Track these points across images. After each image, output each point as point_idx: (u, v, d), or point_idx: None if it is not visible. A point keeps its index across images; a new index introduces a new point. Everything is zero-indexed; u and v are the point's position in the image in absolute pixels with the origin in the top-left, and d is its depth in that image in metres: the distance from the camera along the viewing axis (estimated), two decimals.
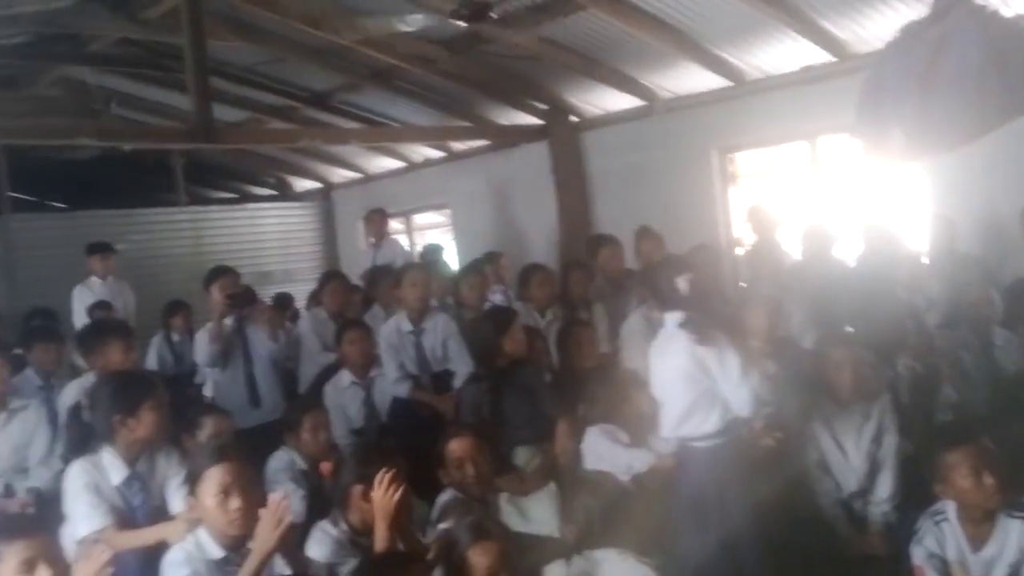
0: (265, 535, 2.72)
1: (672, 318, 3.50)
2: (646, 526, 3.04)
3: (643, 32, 6.28)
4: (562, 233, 7.98)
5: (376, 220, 8.62)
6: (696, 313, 3.51)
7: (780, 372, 4.03)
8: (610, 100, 7.73)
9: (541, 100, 7.95)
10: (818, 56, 6.26)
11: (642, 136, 7.60)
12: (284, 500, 2.80)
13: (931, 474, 3.03)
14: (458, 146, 9.27)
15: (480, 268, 6.47)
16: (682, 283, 3.56)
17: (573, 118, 8.08)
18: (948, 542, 3.06)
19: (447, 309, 5.81)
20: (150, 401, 3.40)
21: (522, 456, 4.40)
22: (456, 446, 3.58)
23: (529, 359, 4.76)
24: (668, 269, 3.68)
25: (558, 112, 7.97)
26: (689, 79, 7.07)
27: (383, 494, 2.93)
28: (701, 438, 3.42)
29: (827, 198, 6.80)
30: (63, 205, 12.53)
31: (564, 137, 8.02)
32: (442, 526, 3.28)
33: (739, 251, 7.06)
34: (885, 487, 3.75)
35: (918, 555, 3.11)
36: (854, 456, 3.79)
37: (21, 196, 10.57)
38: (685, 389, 3.47)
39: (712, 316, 3.55)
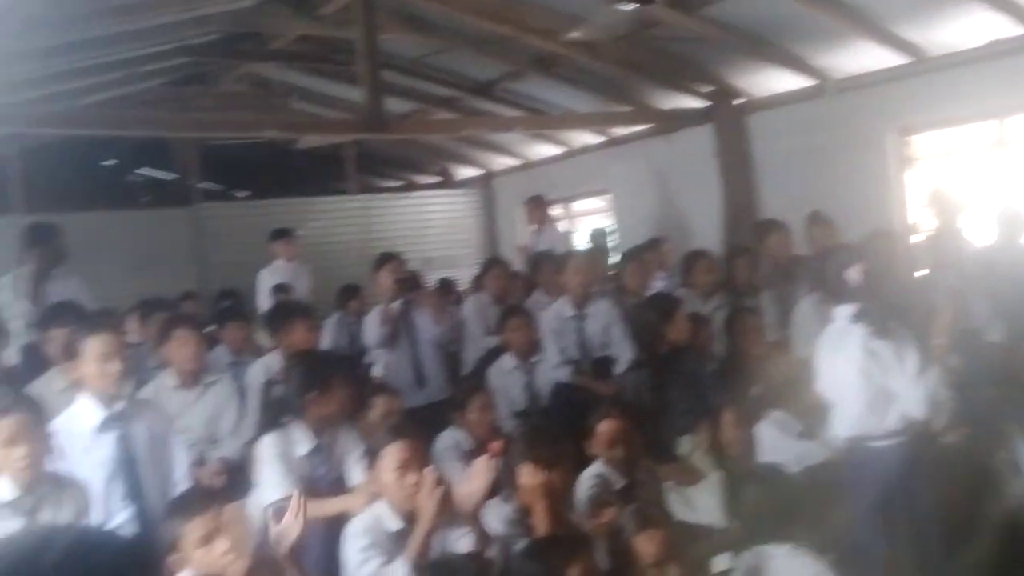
0: (425, 509, 2.83)
1: (843, 311, 3.37)
2: (820, 522, 2.94)
3: (814, 9, 6.04)
4: (726, 219, 7.81)
5: (536, 206, 8.73)
6: (870, 305, 3.36)
7: (964, 366, 3.82)
8: (778, 81, 7.47)
9: (705, 82, 7.79)
10: (1006, 29, 5.83)
11: (812, 118, 7.31)
12: (438, 475, 2.90)
13: None
14: (619, 131, 9.22)
15: (642, 254, 6.44)
16: (853, 274, 3.43)
17: (738, 100, 7.87)
18: None
19: (610, 295, 5.82)
20: (340, 379, 3.60)
21: (685, 445, 4.38)
22: (605, 427, 3.61)
23: (693, 347, 4.71)
24: (838, 259, 3.55)
25: (723, 94, 7.79)
26: (863, 57, 6.74)
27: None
28: (880, 437, 3.29)
29: (1016, 181, 6.33)
30: (246, 194, 13.33)
31: (729, 120, 7.83)
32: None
33: (916, 238, 6.70)
34: None
35: None
36: None
37: (210, 186, 11.31)
38: (861, 386, 3.35)
39: (888, 308, 3.39)
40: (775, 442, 3.84)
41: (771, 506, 2.94)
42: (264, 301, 7.75)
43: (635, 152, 9.10)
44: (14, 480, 2.92)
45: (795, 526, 2.91)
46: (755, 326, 4.81)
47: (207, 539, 2.65)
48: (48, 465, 3.06)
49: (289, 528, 2.68)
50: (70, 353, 3.50)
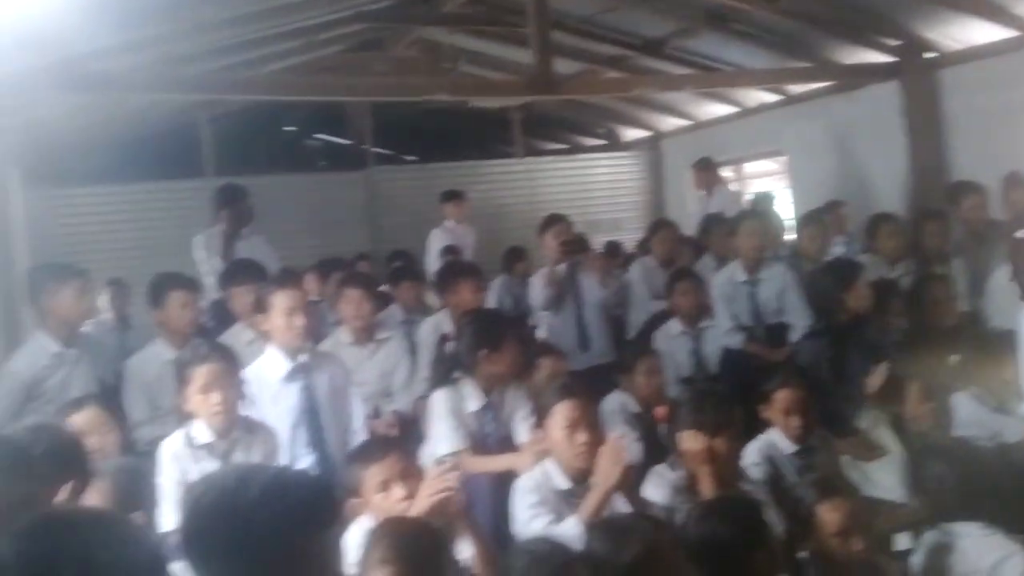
0: (607, 472, 2.81)
1: None
2: (1015, 501, 2.73)
3: None
4: (913, 181, 7.32)
5: (705, 169, 8.49)
6: None
7: None
8: (974, 32, 6.89)
9: (892, 36, 7.29)
10: None
11: (1012, 72, 6.70)
12: (622, 439, 2.88)
13: None
14: (796, 89, 8.78)
15: (821, 218, 6.14)
16: None
17: (928, 54, 7.33)
18: None
19: (785, 260, 5.59)
20: (511, 339, 3.64)
21: (866, 419, 4.17)
22: (783, 395, 3.49)
23: (876, 316, 4.46)
24: None
25: (911, 48, 7.26)
26: None
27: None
28: None
29: None
30: (414, 158, 13.68)
31: (918, 75, 7.30)
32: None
33: None
34: None
35: None
36: None
37: (382, 151, 11.67)
38: None
39: None
40: (971, 416, 3.60)
41: (961, 482, 2.75)
42: (433, 261, 7.96)
43: (814, 111, 8.66)
44: (210, 424, 3.12)
45: (987, 504, 2.72)
46: (945, 295, 4.50)
47: (386, 485, 2.75)
48: (240, 411, 3.26)
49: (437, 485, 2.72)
50: (258, 307, 3.69)
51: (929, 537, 2.81)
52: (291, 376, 3.60)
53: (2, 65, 4.51)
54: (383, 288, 6.08)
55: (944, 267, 5.07)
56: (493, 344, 3.62)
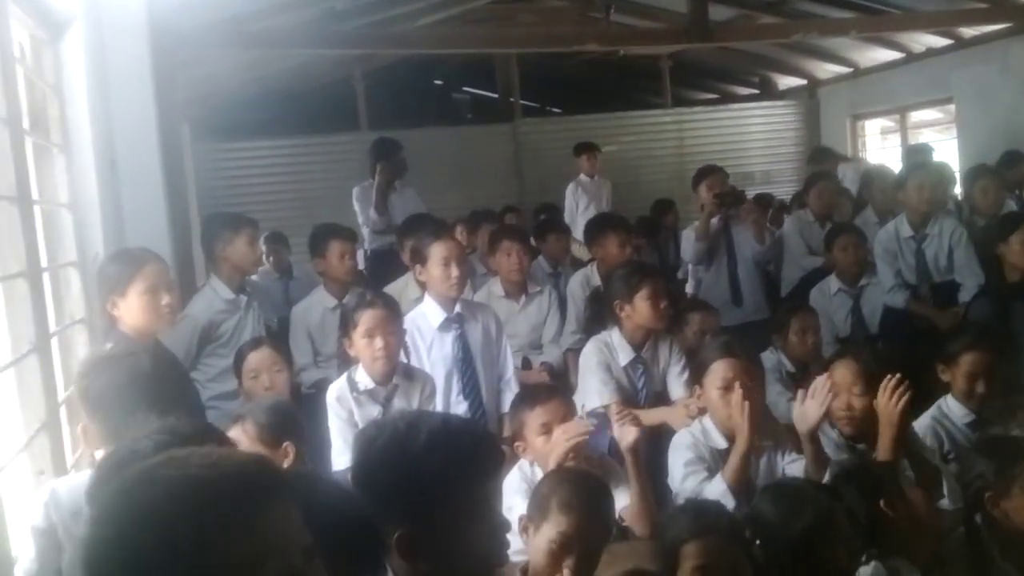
0: (740, 429, 2.79)
1: None
2: None
3: None
4: None
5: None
6: None
7: None
8: None
9: None
10: None
11: None
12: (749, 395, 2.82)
13: None
14: (968, 32, 8.18)
15: (995, 170, 5.73)
16: None
17: None
18: None
19: (954, 215, 5.28)
20: (644, 291, 3.59)
21: None
22: (971, 358, 3.29)
23: None
24: None
25: None
26: None
27: (887, 401, 2.80)
28: None
29: None
30: (560, 111, 13.61)
31: None
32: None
33: None
34: None
35: None
36: None
37: (528, 104, 11.66)
38: None
39: None
40: None
41: None
42: (571, 214, 7.94)
43: (988, 55, 8.06)
44: (373, 370, 3.24)
45: None
46: None
47: (547, 428, 2.81)
48: (400, 357, 3.37)
49: (629, 429, 2.77)
50: (416, 258, 3.78)
51: None
52: (447, 325, 3.69)
53: (173, 23, 4.75)
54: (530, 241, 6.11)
55: None
56: (626, 295, 3.61)
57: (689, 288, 6.21)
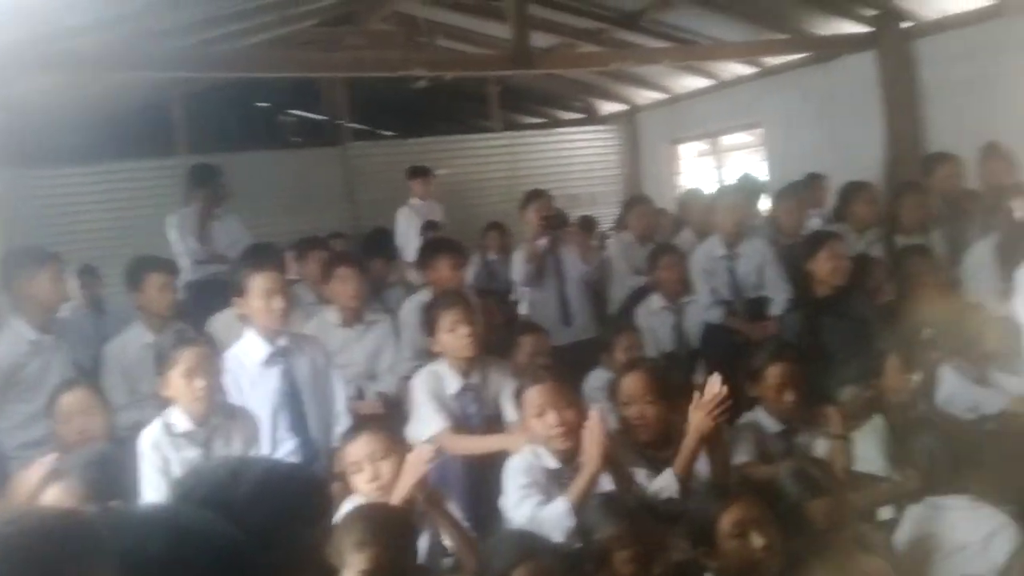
0: (592, 455, 2.81)
1: None
2: (999, 472, 2.75)
3: None
4: (889, 153, 7.35)
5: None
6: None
7: None
8: (951, 1, 6.91)
9: (868, 6, 7.28)
10: None
11: (989, 41, 6.72)
12: (602, 417, 2.88)
13: None
14: (772, 61, 8.77)
15: (797, 192, 6.14)
16: (1018, 210, 3.20)
17: (905, 24, 7.33)
18: None
19: (763, 234, 5.60)
20: (445, 321, 3.60)
21: (848, 394, 4.19)
22: (777, 371, 3.45)
23: (858, 288, 4.48)
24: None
25: (888, 17, 7.26)
26: None
27: (701, 414, 2.92)
28: None
29: None
30: (391, 134, 13.55)
31: (894, 46, 7.30)
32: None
33: None
34: None
35: None
36: None
37: (358, 127, 11.53)
38: None
39: None
40: (953, 389, 3.62)
41: (948, 455, 2.77)
42: (403, 239, 7.91)
43: (790, 83, 8.66)
44: (191, 411, 3.08)
45: (974, 477, 2.73)
46: (926, 267, 4.52)
47: (371, 459, 2.78)
48: (220, 397, 3.22)
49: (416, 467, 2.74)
50: (236, 291, 3.63)
51: (915, 511, 2.82)
52: (271, 360, 3.56)
53: None
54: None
55: (923, 238, 5.08)
56: (430, 330, 3.63)
57: (522, 310, 6.30)
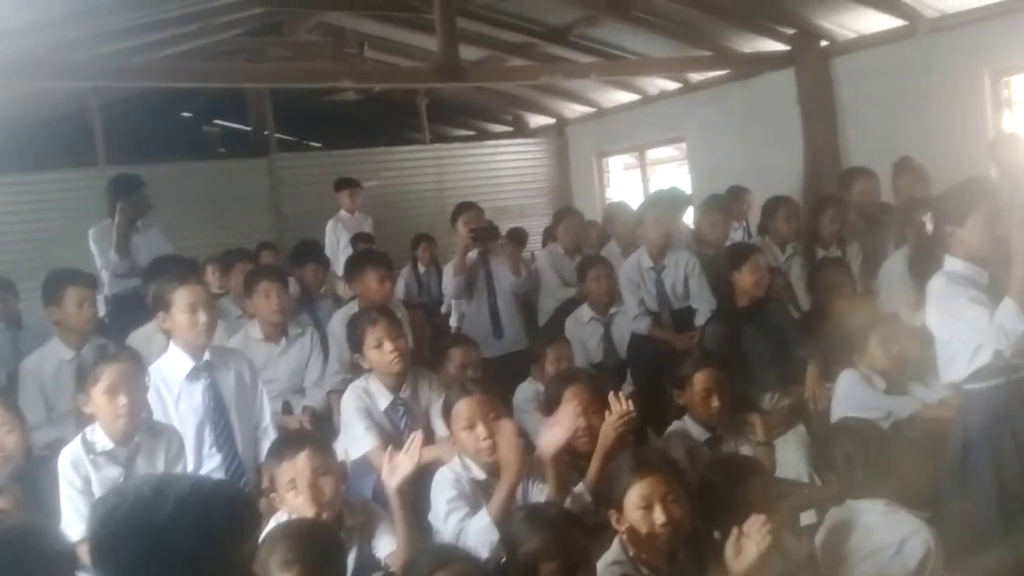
0: (508, 465, 2.82)
1: (949, 263, 3.21)
2: (912, 477, 2.86)
3: None
4: (808, 167, 7.58)
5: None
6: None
7: None
8: (866, 21, 7.16)
9: (787, 24, 7.50)
10: None
11: (902, 60, 7.00)
12: (516, 427, 2.90)
13: None
14: (695, 77, 8.98)
15: (720, 204, 6.28)
16: (928, 222, 3.34)
17: (823, 43, 7.57)
18: None
19: (688, 246, 5.71)
20: (370, 338, 3.60)
21: (768, 401, 4.30)
22: (703, 377, 3.53)
23: (776, 298, 4.61)
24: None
25: (806, 37, 7.50)
26: None
27: (611, 423, 2.97)
28: (969, 380, 3.16)
29: None
30: (318, 145, 13.42)
31: (812, 63, 7.54)
32: None
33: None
34: None
35: None
36: None
37: (285, 137, 11.40)
38: (939, 331, 3.23)
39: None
40: (858, 396, 3.75)
41: (864, 460, 2.86)
42: (332, 251, 7.84)
43: (713, 98, 8.87)
44: (114, 429, 3.00)
45: (889, 482, 2.83)
46: (841, 279, 4.66)
47: (292, 485, 2.73)
48: (144, 414, 3.15)
49: (401, 465, 2.74)
50: (158, 305, 3.55)
51: (833, 514, 2.91)
52: (195, 374, 3.48)
53: None
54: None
55: (840, 251, 5.25)
56: (357, 347, 3.63)
57: (453, 322, 6.30)
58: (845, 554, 2.73)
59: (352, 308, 4.86)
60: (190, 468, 3.29)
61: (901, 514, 2.73)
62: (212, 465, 3.45)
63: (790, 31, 7.54)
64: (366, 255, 5.34)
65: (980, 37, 6.43)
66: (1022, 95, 6.67)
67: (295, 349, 4.74)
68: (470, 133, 13.14)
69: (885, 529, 2.68)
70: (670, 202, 6.14)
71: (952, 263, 3.17)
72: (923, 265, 3.41)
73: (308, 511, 2.70)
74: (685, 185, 9.13)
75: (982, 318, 2.95)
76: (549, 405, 3.33)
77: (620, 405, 3.01)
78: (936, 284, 3.17)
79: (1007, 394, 3.08)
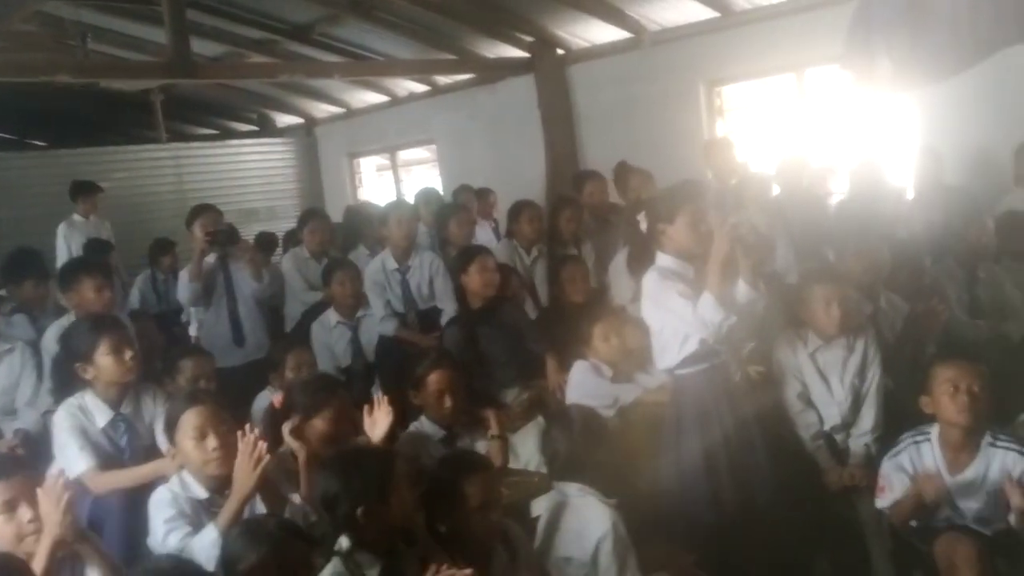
0: (243, 477, 2.72)
1: (660, 259, 3.45)
2: (618, 462, 3.07)
3: None
4: (550, 170, 7.91)
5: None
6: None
7: (766, 307, 4.01)
8: (597, 32, 7.59)
9: (527, 32, 7.80)
10: None
11: (630, 70, 7.49)
12: (259, 439, 2.76)
13: (920, 387, 3.13)
14: (443, 80, 9.12)
15: (466, 205, 6.40)
16: (642, 221, 3.60)
17: (560, 51, 7.94)
18: (925, 462, 3.11)
19: (432, 247, 5.76)
20: (103, 346, 3.38)
21: (510, 396, 4.42)
22: (436, 377, 3.56)
23: (509, 297, 4.75)
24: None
25: (544, 45, 7.83)
26: (677, 10, 6.94)
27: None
28: (680, 366, 3.41)
29: (814, 131, 6.74)
30: (43, 143, 12.32)
31: (550, 71, 7.89)
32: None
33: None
34: (868, 419, 3.75)
35: (886, 467, 3.21)
36: (838, 389, 3.78)
37: (2, 136, 10.37)
38: (653, 321, 3.47)
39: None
40: (589, 385, 3.96)
41: (569, 447, 3.03)
42: (64, 258, 7.24)
43: (460, 101, 9.05)
44: None
45: (591, 466, 3.02)
46: (580, 274, 4.88)
47: (11, 507, 2.52)
48: None
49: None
50: None
51: (550, 497, 3.07)
52: None
53: None
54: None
55: (577, 249, 5.51)
56: (84, 355, 3.40)
57: (192, 331, 5.98)
58: (551, 535, 2.94)
59: (67, 321, 4.49)
60: None
61: (590, 499, 2.93)
62: None
63: (529, 39, 7.84)
64: (80, 264, 4.98)
65: (696, 50, 7.01)
66: (733, 104, 7.33)
67: (3, 367, 4.33)
68: (213, 132, 12.57)
69: (578, 512, 2.90)
70: (418, 203, 6.19)
71: (663, 259, 3.41)
72: (639, 261, 3.64)
73: (9, 543, 2.46)
74: (436, 186, 9.24)
75: (687, 310, 3.19)
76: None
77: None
78: (649, 278, 3.40)
79: (712, 377, 3.36)
